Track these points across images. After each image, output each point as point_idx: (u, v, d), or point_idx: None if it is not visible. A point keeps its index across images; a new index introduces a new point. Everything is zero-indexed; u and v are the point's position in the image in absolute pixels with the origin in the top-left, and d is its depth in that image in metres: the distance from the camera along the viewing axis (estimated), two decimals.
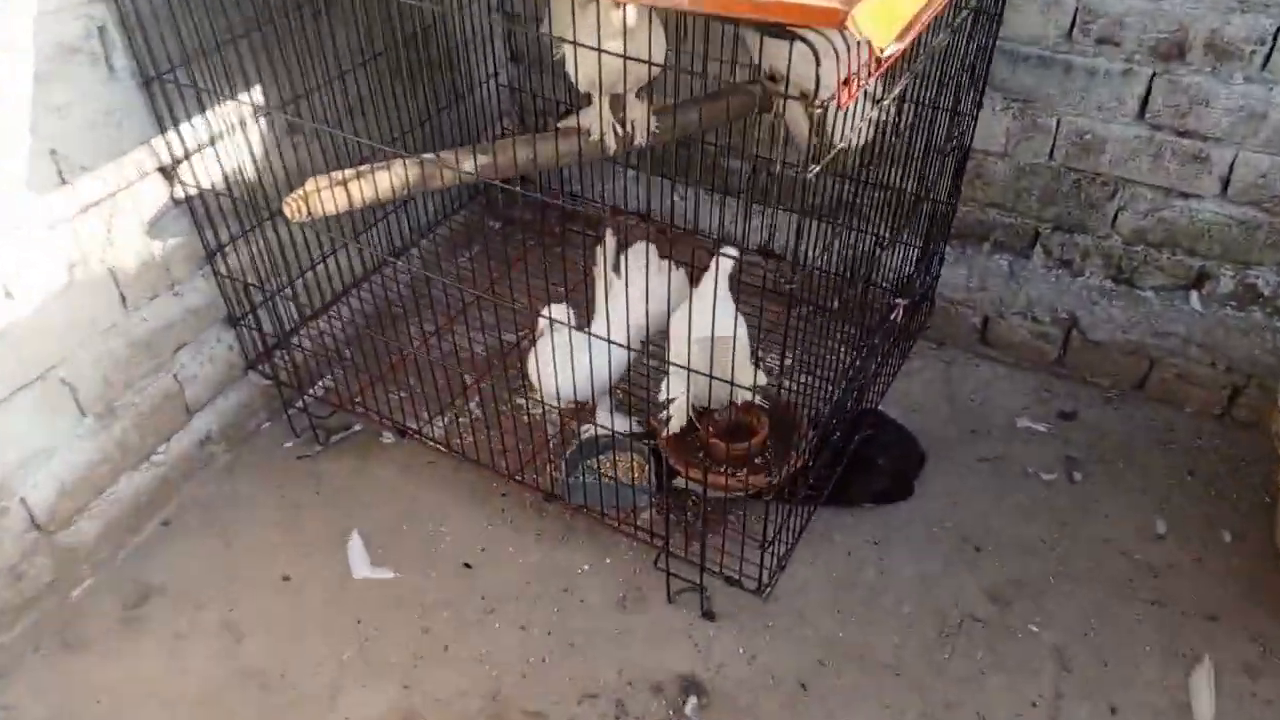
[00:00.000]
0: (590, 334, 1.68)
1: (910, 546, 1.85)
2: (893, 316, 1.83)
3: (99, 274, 1.68)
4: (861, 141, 1.51)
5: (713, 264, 1.78)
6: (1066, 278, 2.17)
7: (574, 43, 1.39)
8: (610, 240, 1.83)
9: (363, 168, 1.59)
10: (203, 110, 1.73)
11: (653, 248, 1.83)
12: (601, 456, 1.87)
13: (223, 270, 1.87)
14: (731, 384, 1.52)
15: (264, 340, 1.98)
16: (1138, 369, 2.13)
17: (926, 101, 1.75)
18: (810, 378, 1.63)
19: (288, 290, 1.96)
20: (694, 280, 1.77)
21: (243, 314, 1.94)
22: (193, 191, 1.77)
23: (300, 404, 2.04)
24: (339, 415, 2.08)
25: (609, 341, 1.68)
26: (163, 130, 1.70)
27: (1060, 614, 1.73)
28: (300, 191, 1.54)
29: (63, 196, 1.59)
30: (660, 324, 1.86)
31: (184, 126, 1.71)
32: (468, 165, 1.61)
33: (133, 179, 1.69)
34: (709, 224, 2.38)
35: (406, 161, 1.57)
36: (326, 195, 1.52)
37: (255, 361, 2.01)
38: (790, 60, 1.19)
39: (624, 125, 1.70)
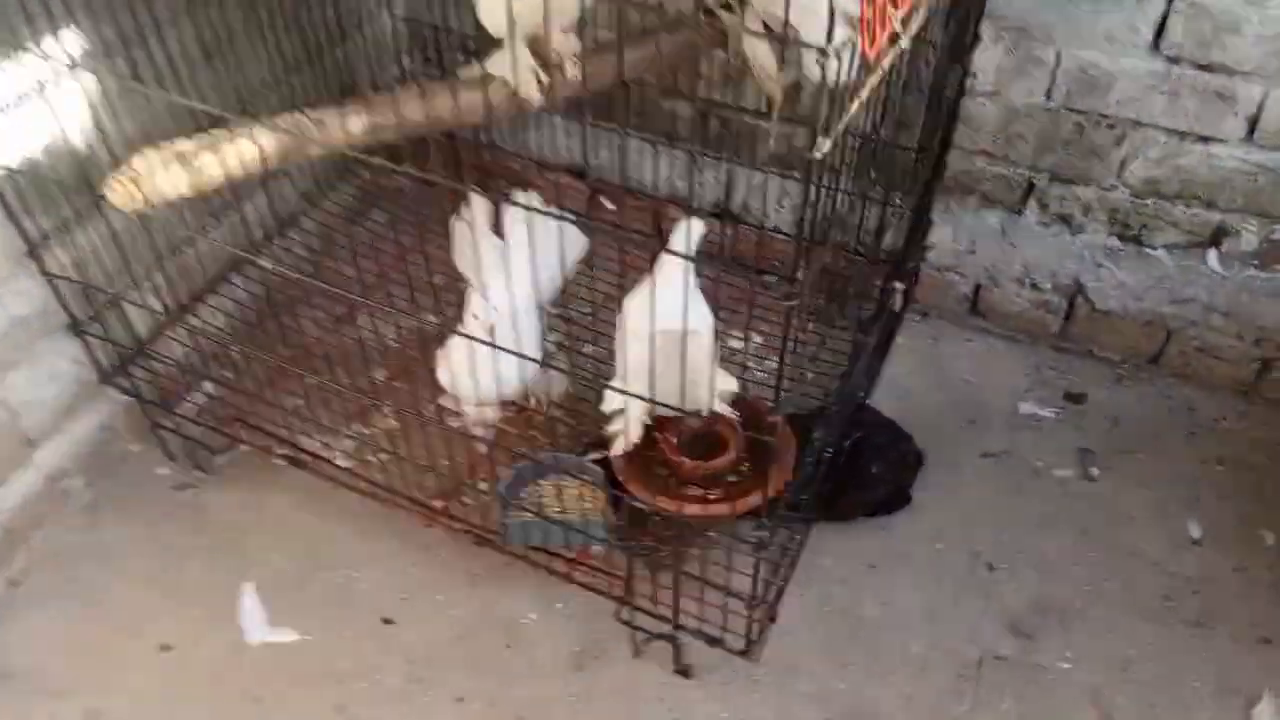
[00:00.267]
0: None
1: (914, 570, 1.58)
2: (891, 301, 1.53)
3: None
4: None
5: (676, 234, 1.45)
6: (1066, 236, 1.89)
7: None
8: (480, 202, 1.48)
9: (210, 135, 1.20)
10: None
11: (536, 197, 1.49)
12: (544, 482, 1.54)
13: (54, 268, 1.48)
14: (711, 389, 1.20)
15: (117, 350, 1.59)
16: (1152, 341, 1.87)
17: (926, 37, 1.43)
18: (794, 380, 1.32)
19: (144, 286, 1.57)
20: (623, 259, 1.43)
21: (86, 319, 1.55)
22: None
23: (169, 424, 1.67)
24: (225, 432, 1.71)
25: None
26: None
27: (1093, 646, 1.48)
28: (128, 171, 1.15)
29: None
30: (553, 292, 1.54)
31: None
32: (351, 126, 1.24)
33: None
34: (653, 180, 2.04)
35: (267, 127, 1.19)
36: (163, 177, 1.13)
37: (109, 376, 1.62)
38: None
39: (548, 71, 1.33)
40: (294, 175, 1.95)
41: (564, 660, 1.46)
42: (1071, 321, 1.91)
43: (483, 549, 1.52)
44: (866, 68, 0.93)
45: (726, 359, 1.47)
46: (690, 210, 1.39)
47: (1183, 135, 1.70)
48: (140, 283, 1.58)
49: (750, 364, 1.84)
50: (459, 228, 1.51)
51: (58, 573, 1.56)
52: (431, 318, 1.46)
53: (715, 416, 1.47)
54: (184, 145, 1.18)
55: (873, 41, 0.93)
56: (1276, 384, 1.82)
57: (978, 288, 1.95)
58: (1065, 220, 1.87)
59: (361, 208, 2.09)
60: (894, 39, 1.06)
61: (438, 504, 1.52)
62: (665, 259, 1.42)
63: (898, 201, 1.60)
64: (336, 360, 1.63)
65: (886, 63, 1.03)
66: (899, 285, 1.51)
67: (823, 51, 0.83)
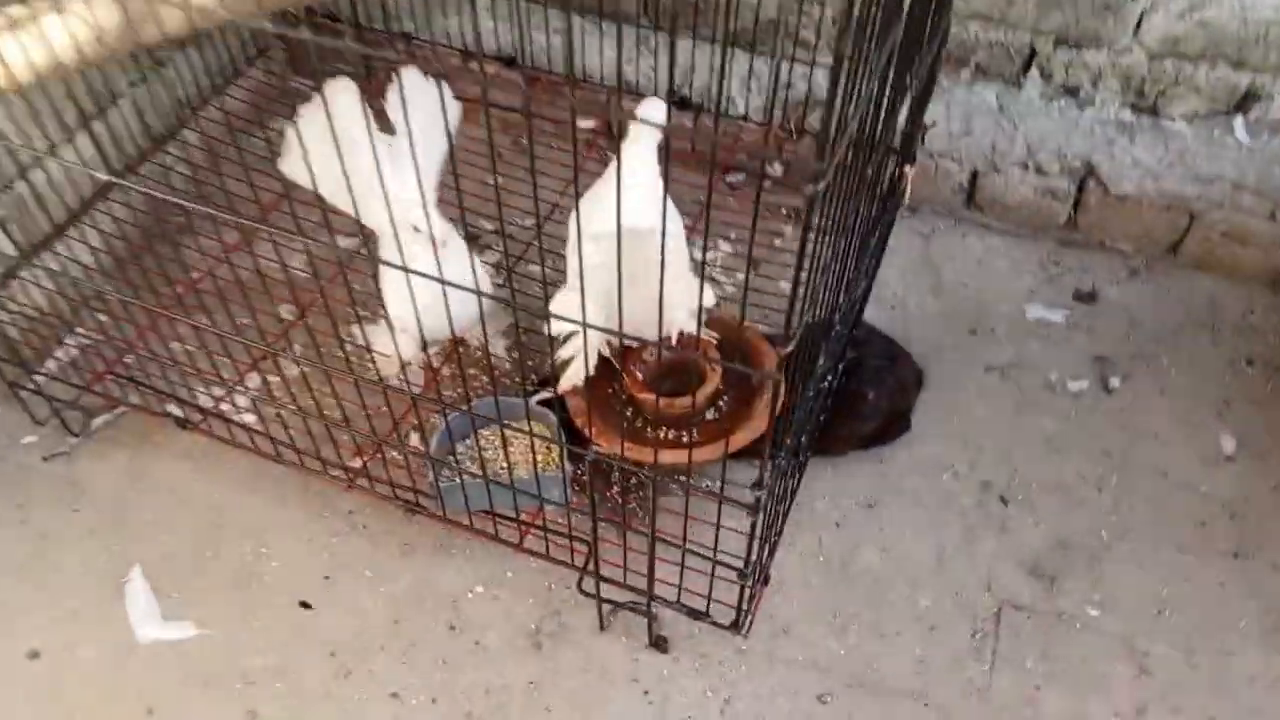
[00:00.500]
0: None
1: (917, 508, 1.37)
2: (903, 188, 1.28)
3: None
4: None
5: (641, 109, 1.20)
6: (1073, 110, 1.64)
7: None
8: (342, 88, 1.19)
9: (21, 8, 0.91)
10: None
11: (415, 73, 1.21)
12: (485, 433, 1.30)
13: None
14: (693, 306, 0.95)
15: None
16: (1173, 228, 1.65)
17: None
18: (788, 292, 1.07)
19: None
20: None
21: None
22: None
23: (31, 384, 1.39)
24: (101, 390, 1.44)
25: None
26: None
27: (1122, 586, 1.30)
28: None
29: None
30: (434, 180, 1.27)
31: None
32: None
33: None
34: (599, 66, 1.75)
35: None
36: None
37: None
38: None
39: None
40: (171, 75, 1.64)
41: (518, 641, 1.25)
42: (1081, 209, 1.68)
43: (415, 520, 1.28)
44: None
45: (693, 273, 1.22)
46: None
47: None
48: None
49: (719, 277, 1.60)
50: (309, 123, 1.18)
51: None
52: (344, 242, 1.19)
53: (689, 341, 1.23)
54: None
55: None
56: None
57: (974, 175, 1.70)
58: (1072, 92, 1.62)
59: (255, 115, 1.78)
60: None
61: (357, 463, 1.27)
62: (628, 148, 1.16)
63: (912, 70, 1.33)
64: (231, 298, 1.35)
65: None
66: (910, 170, 1.26)
67: None
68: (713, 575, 1.06)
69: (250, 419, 1.41)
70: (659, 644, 1.23)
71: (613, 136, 1.73)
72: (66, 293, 1.45)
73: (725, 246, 1.64)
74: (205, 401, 1.39)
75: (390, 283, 1.26)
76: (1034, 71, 1.62)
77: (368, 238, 1.32)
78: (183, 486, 1.38)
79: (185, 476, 1.39)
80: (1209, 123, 1.58)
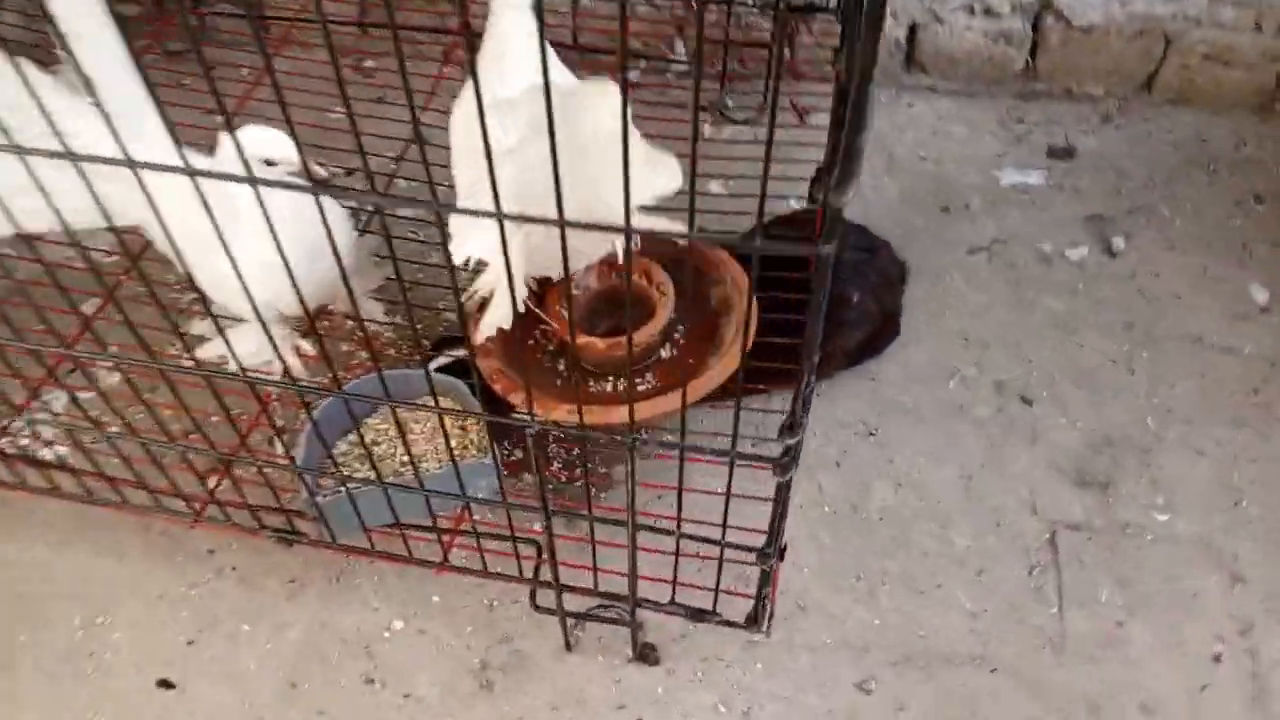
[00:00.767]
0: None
1: (927, 426, 1.11)
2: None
3: None
4: None
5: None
6: None
7: None
8: None
9: None
10: None
11: None
12: (373, 422, 0.97)
13: None
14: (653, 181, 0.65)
15: None
16: (1146, 58, 1.42)
17: None
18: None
19: None
20: None
21: None
22: None
23: None
24: None
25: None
26: None
27: (1187, 481, 1.07)
28: None
29: None
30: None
31: None
32: None
33: None
34: None
35: None
36: None
37: None
38: None
39: None
40: None
41: (461, 684, 0.94)
42: (1040, 52, 1.43)
43: (300, 549, 0.96)
44: None
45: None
46: None
47: None
48: None
49: None
50: None
51: None
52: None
53: (627, 261, 0.93)
54: None
55: None
56: None
57: (912, 29, 1.44)
58: None
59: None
60: None
61: (213, 487, 0.93)
62: (497, 6, 0.85)
63: None
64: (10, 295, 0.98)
65: None
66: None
67: None
68: (721, 560, 0.77)
69: (60, 450, 1.05)
70: (646, 656, 0.95)
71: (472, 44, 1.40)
72: None
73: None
74: None
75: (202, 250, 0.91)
76: None
77: None
78: None
79: None
80: None
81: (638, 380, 0.98)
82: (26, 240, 0.74)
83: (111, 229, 0.68)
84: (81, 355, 0.78)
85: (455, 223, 0.76)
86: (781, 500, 0.69)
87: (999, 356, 1.17)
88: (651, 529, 0.73)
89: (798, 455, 0.64)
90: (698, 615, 0.84)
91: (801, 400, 0.61)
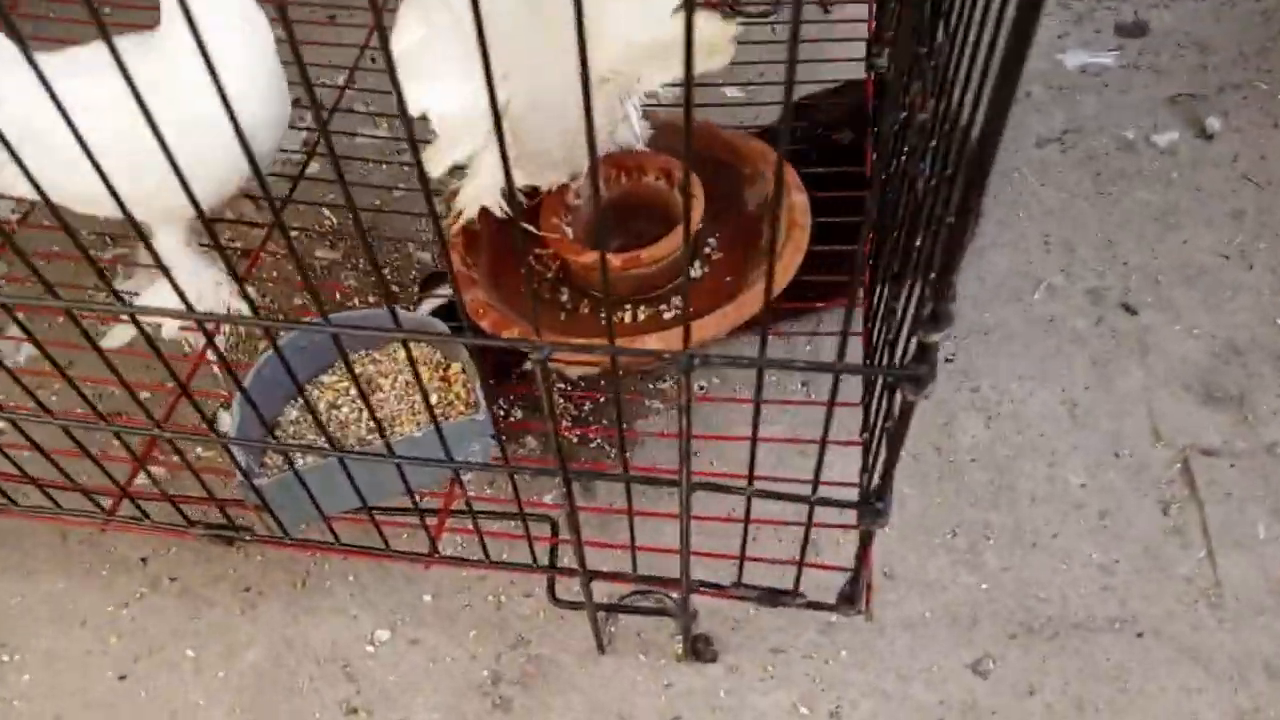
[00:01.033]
0: None
1: (1017, 346, 0.91)
2: None
3: None
4: None
5: None
6: None
7: None
8: None
9: None
10: None
11: None
12: (326, 379, 0.77)
13: None
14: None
15: None
16: None
17: None
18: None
19: None
20: None
21: None
22: None
23: None
24: None
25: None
26: None
27: None
28: None
29: None
30: None
31: None
32: None
33: None
34: None
35: None
36: None
37: None
38: None
39: None
40: None
41: (468, 705, 0.74)
42: None
43: (260, 552, 0.76)
44: None
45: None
46: None
47: None
48: None
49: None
50: None
51: None
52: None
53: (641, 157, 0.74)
54: None
55: None
56: None
57: None
58: None
59: None
60: None
61: (124, 482, 0.73)
62: None
63: None
64: None
65: None
66: None
67: None
68: (810, 522, 0.57)
69: None
70: (700, 652, 0.75)
71: None
72: None
73: None
74: None
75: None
76: None
77: None
78: None
79: None
80: None
81: (662, 307, 0.78)
82: None
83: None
84: None
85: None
86: (902, 428, 0.49)
87: (1090, 260, 0.97)
88: (713, 487, 0.53)
89: (934, 364, 0.44)
90: (772, 598, 0.64)
91: (947, 305, 0.40)
